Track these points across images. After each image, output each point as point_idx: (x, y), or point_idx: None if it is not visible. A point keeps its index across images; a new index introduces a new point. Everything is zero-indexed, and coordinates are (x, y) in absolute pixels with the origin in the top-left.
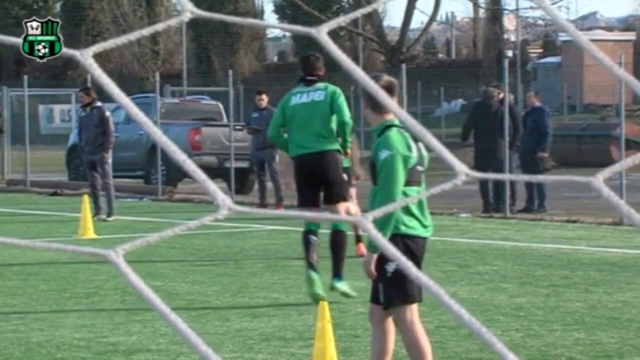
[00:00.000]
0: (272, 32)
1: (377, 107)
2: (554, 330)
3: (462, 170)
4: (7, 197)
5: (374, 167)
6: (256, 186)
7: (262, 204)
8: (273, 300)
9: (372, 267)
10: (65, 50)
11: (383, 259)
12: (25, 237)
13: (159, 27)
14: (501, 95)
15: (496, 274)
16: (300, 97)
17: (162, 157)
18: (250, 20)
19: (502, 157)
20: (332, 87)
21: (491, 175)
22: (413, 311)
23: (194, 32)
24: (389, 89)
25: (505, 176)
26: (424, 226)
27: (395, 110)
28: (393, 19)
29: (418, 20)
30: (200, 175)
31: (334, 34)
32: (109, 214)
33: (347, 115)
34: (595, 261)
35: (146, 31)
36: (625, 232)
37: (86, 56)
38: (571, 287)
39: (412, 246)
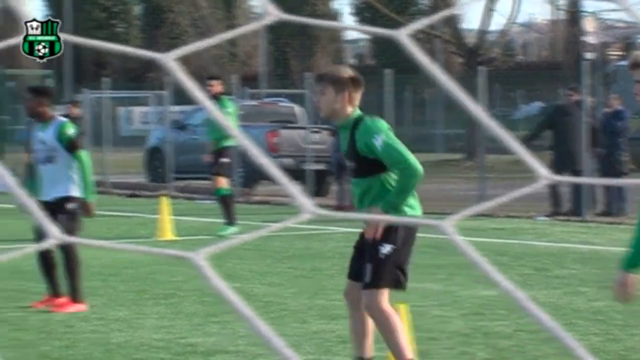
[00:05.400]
0: (350, 35)
1: (353, 101)
2: (634, 334)
3: (544, 173)
4: None
5: (362, 158)
6: (334, 188)
7: (340, 206)
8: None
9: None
10: (147, 54)
11: (377, 241)
12: (105, 239)
13: (242, 30)
14: (577, 98)
15: (574, 278)
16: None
17: (240, 160)
18: (335, 23)
19: (580, 160)
20: None
21: (571, 179)
22: (387, 297)
23: (272, 34)
24: (358, 81)
25: (586, 180)
26: (419, 206)
27: (479, 114)
28: (471, 21)
29: (496, 22)
30: (283, 177)
31: (411, 36)
32: None
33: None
34: None
35: (228, 35)
36: None
37: (167, 60)
38: None
39: (413, 228)
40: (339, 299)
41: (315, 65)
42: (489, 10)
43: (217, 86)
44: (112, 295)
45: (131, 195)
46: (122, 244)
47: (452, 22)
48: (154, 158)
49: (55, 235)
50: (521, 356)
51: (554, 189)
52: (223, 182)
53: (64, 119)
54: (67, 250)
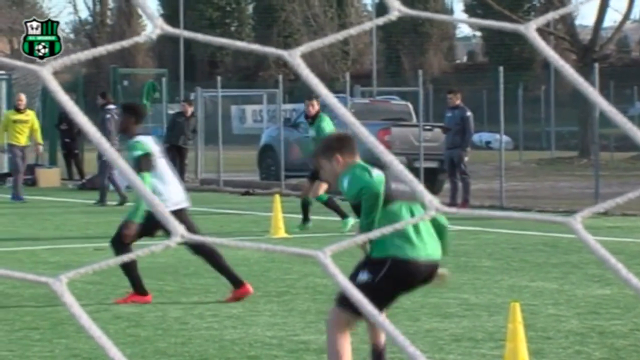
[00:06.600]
0: (462, 32)
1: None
2: None
3: None
4: (200, 196)
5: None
6: (447, 185)
7: (452, 204)
8: (463, 301)
9: None
10: (273, 50)
11: (363, 266)
12: (218, 236)
13: (367, 26)
14: None
15: None
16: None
17: None
18: (461, 18)
19: None
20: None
21: None
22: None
23: (383, 32)
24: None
25: None
26: (418, 247)
27: (607, 108)
28: (585, 17)
29: (611, 18)
30: (408, 175)
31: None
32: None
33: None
34: None
35: (357, 29)
36: None
37: (294, 56)
38: None
39: (409, 275)
40: (452, 297)
41: (427, 63)
42: (604, 6)
43: (317, 105)
44: (225, 293)
45: (245, 193)
46: (247, 242)
47: (566, 18)
48: (267, 156)
49: (181, 233)
50: (638, 355)
51: None
52: (324, 188)
53: (137, 139)
54: (202, 251)
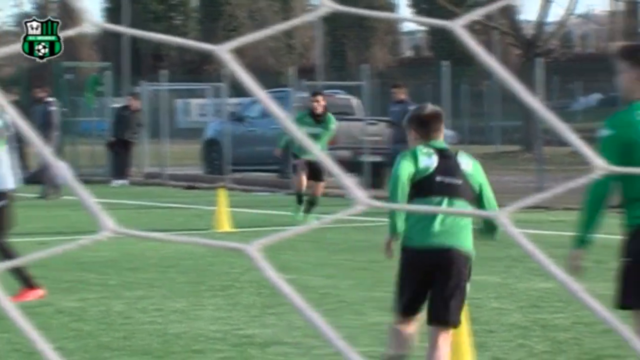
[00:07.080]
0: (407, 26)
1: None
2: None
3: (599, 164)
4: (144, 190)
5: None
6: None
7: None
8: None
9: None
10: (202, 45)
11: None
12: (161, 230)
13: (296, 22)
14: None
15: None
16: None
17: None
18: (389, 15)
19: None
20: None
21: (628, 169)
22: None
23: (328, 26)
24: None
25: None
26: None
27: (536, 105)
28: (529, 12)
29: (555, 13)
30: (337, 169)
31: (468, 28)
32: None
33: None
34: None
35: (282, 27)
36: None
37: (222, 52)
38: None
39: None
40: None
41: (372, 57)
42: (547, 1)
43: (323, 101)
44: (170, 287)
45: (188, 187)
46: (177, 236)
47: (509, 13)
48: (211, 150)
49: (109, 227)
50: (579, 348)
51: None
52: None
53: None
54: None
